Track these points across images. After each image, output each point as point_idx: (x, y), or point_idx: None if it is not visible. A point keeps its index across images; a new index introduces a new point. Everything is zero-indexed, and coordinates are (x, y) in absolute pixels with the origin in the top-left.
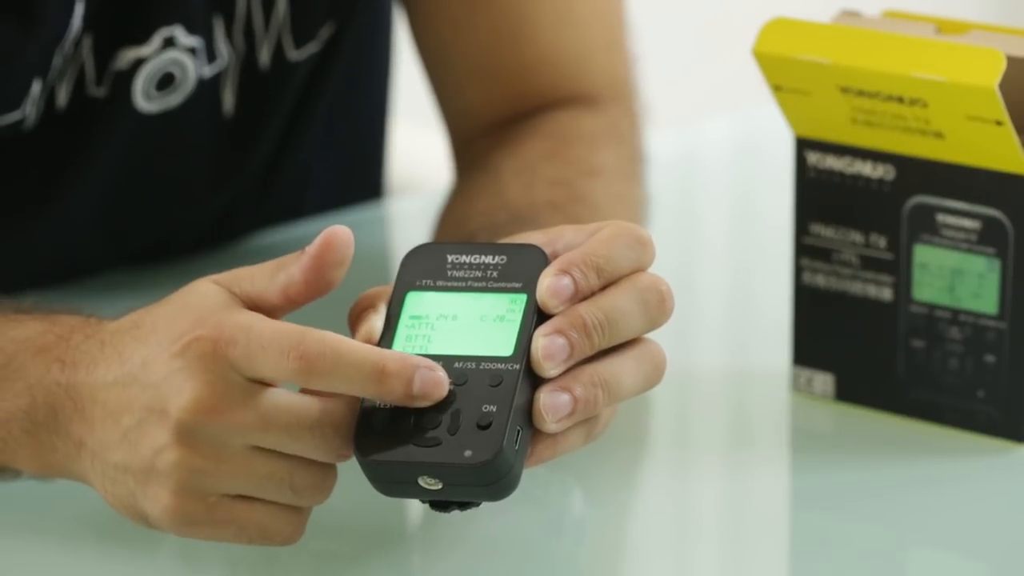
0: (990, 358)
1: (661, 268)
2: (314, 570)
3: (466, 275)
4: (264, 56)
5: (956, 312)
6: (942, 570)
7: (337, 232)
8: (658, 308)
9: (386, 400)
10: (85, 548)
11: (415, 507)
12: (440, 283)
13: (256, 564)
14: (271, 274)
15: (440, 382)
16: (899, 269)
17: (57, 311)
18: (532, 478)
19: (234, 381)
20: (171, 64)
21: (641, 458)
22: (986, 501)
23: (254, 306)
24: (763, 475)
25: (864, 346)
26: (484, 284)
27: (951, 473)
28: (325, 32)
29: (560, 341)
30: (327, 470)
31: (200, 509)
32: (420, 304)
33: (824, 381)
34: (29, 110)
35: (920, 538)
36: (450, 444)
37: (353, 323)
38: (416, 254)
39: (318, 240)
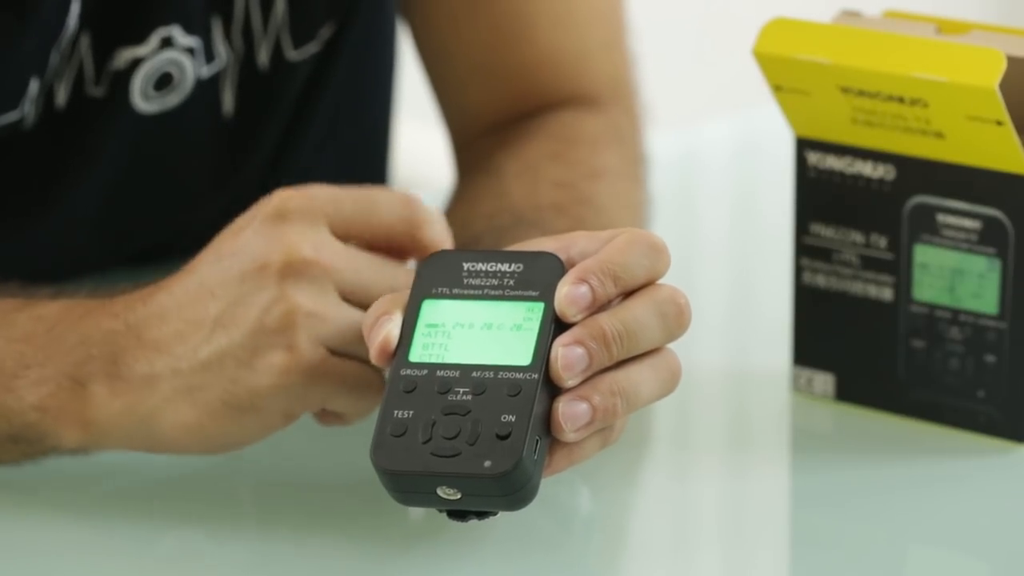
0: (990, 358)
1: None
2: (317, 569)
3: (482, 283)
4: (263, 56)
5: (956, 312)
6: (942, 570)
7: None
8: (676, 320)
9: None
10: (78, 550)
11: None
12: (456, 291)
13: (253, 566)
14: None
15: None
16: (899, 269)
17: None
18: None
19: (325, 233)
20: (169, 64)
21: (642, 458)
22: (986, 501)
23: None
24: (763, 475)
25: (864, 346)
26: (501, 292)
27: (951, 473)
28: (325, 32)
29: (579, 351)
30: None
31: (316, 360)
32: (436, 312)
33: (824, 381)
34: (28, 109)
35: (920, 538)
36: (469, 454)
37: (369, 330)
38: (432, 261)
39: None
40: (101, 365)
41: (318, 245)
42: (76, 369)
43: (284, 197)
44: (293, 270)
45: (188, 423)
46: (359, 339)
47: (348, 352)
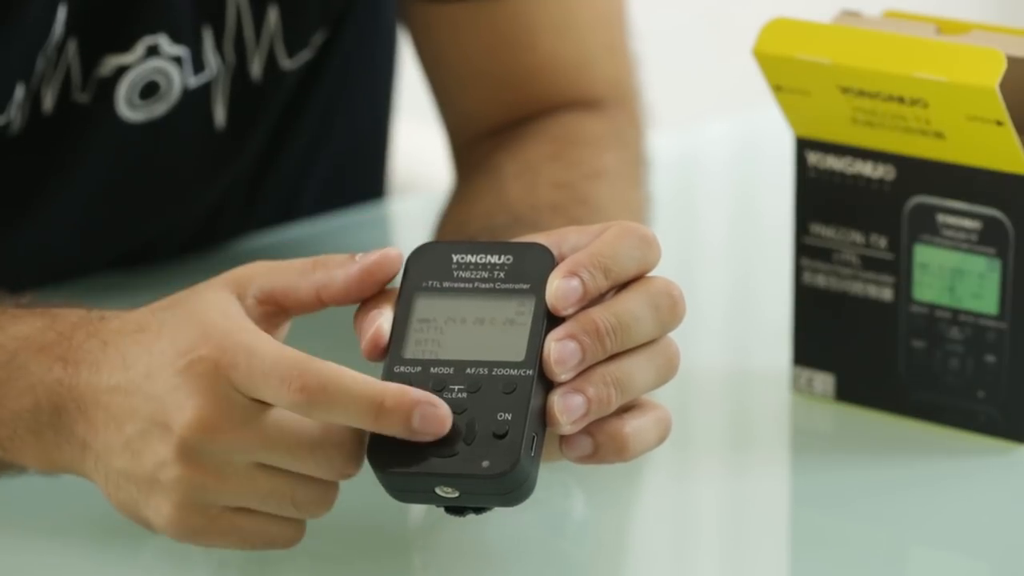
0: (990, 358)
1: (661, 268)
2: (310, 571)
3: (473, 276)
4: (256, 67)
5: (956, 312)
6: (942, 570)
7: (392, 253)
8: (670, 313)
9: (387, 433)
10: (72, 547)
11: (416, 508)
12: (447, 284)
13: (246, 565)
14: (306, 271)
15: (441, 419)
16: (899, 269)
17: (57, 306)
18: None
19: (236, 400)
20: (155, 73)
21: (641, 458)
22: (986, 501)
23: (274, 301)
24: (763, 475)
25: (864, 346)
26: (492, 285)
27: (951, 473)
28: (318, 38)
29: (572, 346)
30: (329, 486)
31: (202, 521)
32: (428, 306)
33: (824, 381)
34: (14, 114)
35: (920, 538)
36: (466, 454)
37: (359, 325)
38: (420, 254)
39: (375, 255)
40: (49, 415)
41: (224, 416)
42: (30, 416)
43: (199, 351)
44: (188, 444)
45: (111, 501)
46: (274, 502)
47: (259, 510)
